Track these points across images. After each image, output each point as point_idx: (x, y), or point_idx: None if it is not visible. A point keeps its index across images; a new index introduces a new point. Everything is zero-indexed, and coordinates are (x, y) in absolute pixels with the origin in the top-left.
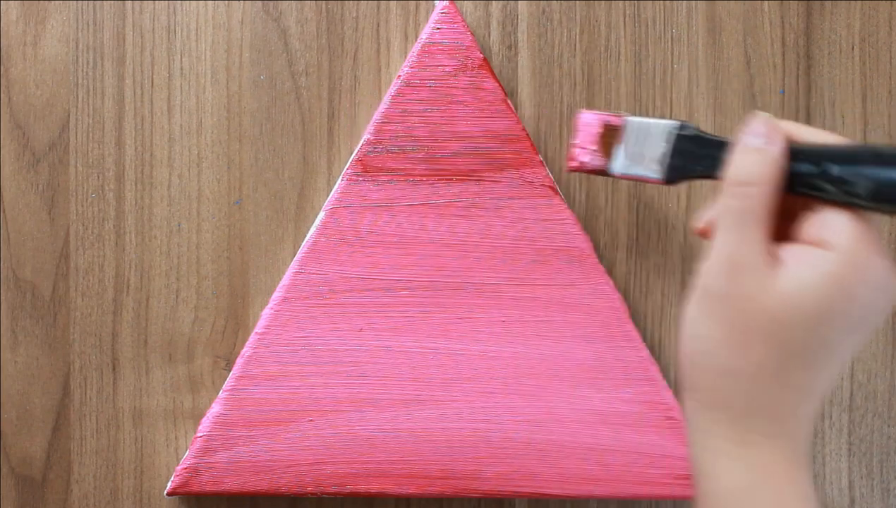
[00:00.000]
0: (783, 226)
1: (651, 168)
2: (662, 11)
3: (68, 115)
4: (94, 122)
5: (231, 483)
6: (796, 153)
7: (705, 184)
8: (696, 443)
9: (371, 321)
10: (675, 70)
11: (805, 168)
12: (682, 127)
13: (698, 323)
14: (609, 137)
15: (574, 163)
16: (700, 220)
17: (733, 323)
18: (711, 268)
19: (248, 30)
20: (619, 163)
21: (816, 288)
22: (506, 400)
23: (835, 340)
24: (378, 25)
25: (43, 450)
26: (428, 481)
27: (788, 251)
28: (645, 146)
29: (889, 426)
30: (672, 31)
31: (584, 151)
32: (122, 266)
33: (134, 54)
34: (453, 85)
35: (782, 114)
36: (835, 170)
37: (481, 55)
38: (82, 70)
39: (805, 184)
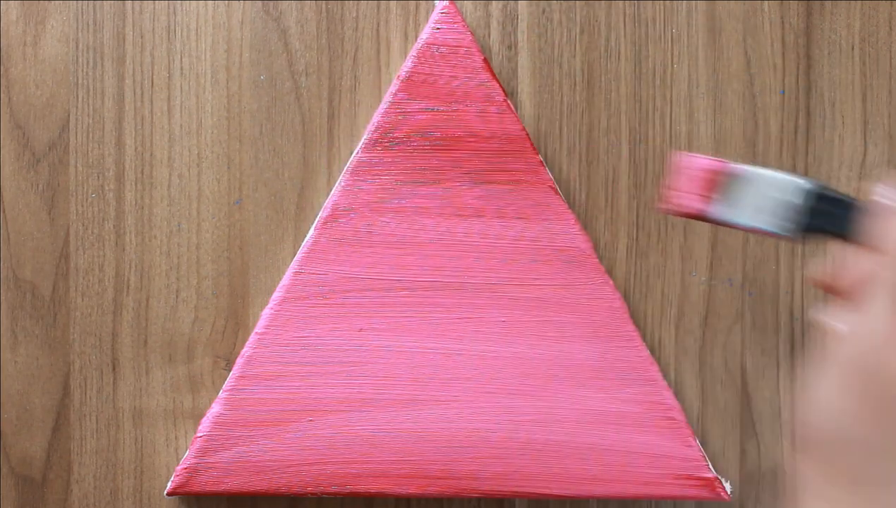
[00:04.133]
0: None
1: (772, 222)
2: (662, 11)
3: (68, 115)
4: (94, 122)
5: (231, 483)
6: None
7: None
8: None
9: (371, 321)
10: (675, 70)
11: None
12: (817, 185)
13: (833, 395)
14: (714, 182)
15: (679, 207)
16: (825, 274)
17: (877, 399)
18: (858, 342)
19: (248, 30)
20: (734, 212)
21: None
22: (506, 400)
23: None
24: (378, 25)
25: (43, 450)
26: (428, 481)
27: None
28: (765, 197)
29: None
30: (672, 31)
31: (690, 196)
32: (122, 266)
33: (134, 54)
34: (453, 85)
35: (782, 114)
36: None
37: (481, 55)
38: (82, 70)
39: None
